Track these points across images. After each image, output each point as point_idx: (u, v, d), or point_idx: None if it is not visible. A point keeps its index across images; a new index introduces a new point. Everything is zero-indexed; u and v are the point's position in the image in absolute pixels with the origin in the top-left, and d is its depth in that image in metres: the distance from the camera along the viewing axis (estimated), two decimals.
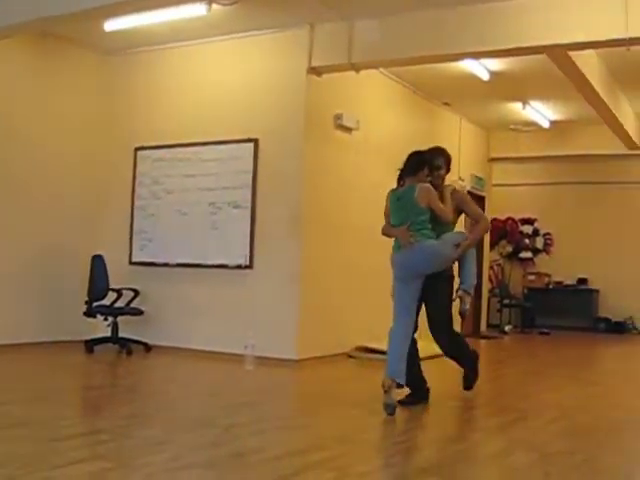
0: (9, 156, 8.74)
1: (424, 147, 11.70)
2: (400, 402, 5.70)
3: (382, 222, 9.93)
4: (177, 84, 9.45)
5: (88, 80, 9.70)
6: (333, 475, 3.84)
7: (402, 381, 5.60)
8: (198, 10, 7.69)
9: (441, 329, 6.09)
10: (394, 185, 10.02)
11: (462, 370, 6.50)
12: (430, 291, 5.92)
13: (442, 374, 8.63)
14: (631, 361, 10.95)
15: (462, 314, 6.16)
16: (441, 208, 5.95)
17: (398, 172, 6.12)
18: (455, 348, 6.27)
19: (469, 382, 6.51)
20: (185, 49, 9.32)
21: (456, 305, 6.16)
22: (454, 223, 6.24)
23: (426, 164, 6.04)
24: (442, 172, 6.26)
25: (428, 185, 5.95)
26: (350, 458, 4.27)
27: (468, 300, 6.15)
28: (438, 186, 6.11)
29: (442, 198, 6.05)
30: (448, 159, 6.41)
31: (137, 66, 9.75)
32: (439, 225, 5.95)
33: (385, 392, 5.49)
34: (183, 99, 9.37)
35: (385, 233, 6.24)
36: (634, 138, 12.35)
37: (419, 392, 6.04)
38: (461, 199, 6.32)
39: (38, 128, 9.06)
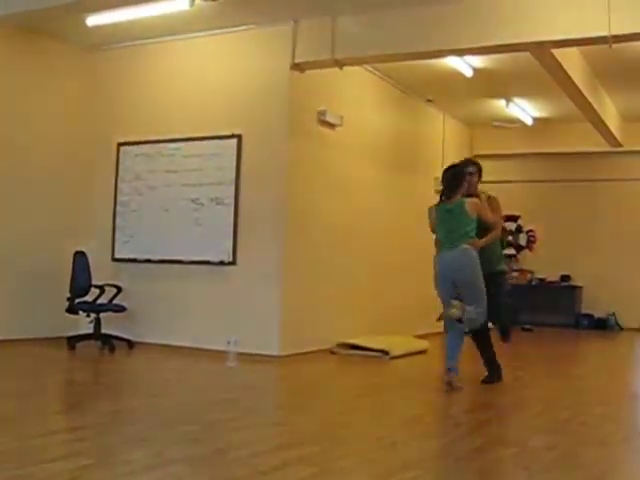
0: None
1: (408, 144, 11.85)
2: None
3: (365, 218, 10.03)
4: (160, 80, 9.43)
5: (70, 76, 9.65)
6: (314, 471, 3.83)
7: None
8: (181, 5, 7.66)
9: None
10: (376, 180, 10.09)
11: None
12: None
13: (426, 370, 8.66)
14: (613, 357, 11.00)
15: None
16: (488, 215, 6.82)
17: (440, 192, 6.94)
18: None
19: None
20: (168, 45, 9.30)
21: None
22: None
23: (464, 178, 6.82)
24: (474, 180, 7.03)
25: (476, 200, 6.82)
26: (331, 454, 4.27)
27: None
28: (472, 194, 6.90)
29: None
30: (479, 167, 7.19)
31: (120, 62, 9.71)
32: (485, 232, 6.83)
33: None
34: (166, 95, 9.35)
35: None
36: (617, 136, 12.42)
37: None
38: (494, 206, 7.10)
39: (19, 123, 9.01)
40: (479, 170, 7.19)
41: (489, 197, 7.15)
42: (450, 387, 6.57)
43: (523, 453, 4.44)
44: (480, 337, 7.19)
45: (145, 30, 8.95)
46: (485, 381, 7.10)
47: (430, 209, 7.03)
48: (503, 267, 7.40)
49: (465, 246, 6.61)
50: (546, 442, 4.76)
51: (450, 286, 6.71)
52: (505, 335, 7.61)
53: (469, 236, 6.66)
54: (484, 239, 6.81)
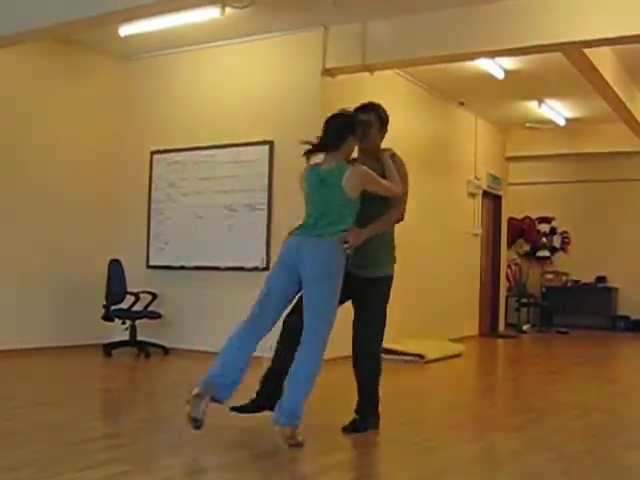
0: (26, 160, 8.78)
1: (441, 147, 11.76)
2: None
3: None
4: (192, 87, 9.47)
5: (104, 85, 9.74)
6: (352, 476, 3.84)
7: None
8: (212, 13, 7.70)
9: None
10: (409, 184, 9.88)
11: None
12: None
13: (461, 373, 8.63)
14: None
15: None
16: (385, 186, 4.80)
17: (309, 146, 4.87)
18: None
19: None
20: (199, 52, 9.35)
21: None
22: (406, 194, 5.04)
23: (353, 130, 4.80)
24: (372, 133, 5.05)
25: (363, 168, 4.73)
26: (369, 459, 4.27)
27: None
28: (370, 150, 5.04)
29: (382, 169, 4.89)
30: (381, 116, 5.16)
31: (152, 70, 9.78)
32: (377, 209, 4.84)
33: None
34: (198, 102, 9.39)
35: None
36: None
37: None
38: (400, 172, 5.01)
39: (55, 132, 9.10)
40: (380, 119, 5.14)
41: (393, 155, 5.08)
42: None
43: (562, 457, 4.40)
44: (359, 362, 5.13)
45: (177, 39, 9.01)
46: (350, 428, 4.91)
47: (301, 175, 5.02)
48: (391, 271, 5.13)
49: (332, 240, 4.59)
50: (585, 446, 4.72)
51: (286, 279, 4.82)
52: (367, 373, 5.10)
53: (344, 225, 4.63)
54: (373, 226, 4.79)
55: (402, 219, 5.07)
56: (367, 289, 4.96)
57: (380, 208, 4.85)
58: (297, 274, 4.67)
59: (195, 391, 4.51)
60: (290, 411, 4.40)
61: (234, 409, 4.88)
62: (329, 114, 4.98)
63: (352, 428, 4.87)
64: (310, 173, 4.83)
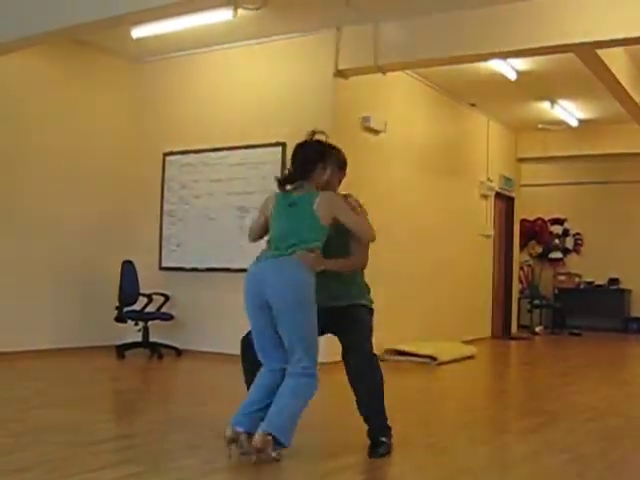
0: (39, 161, 8.82)
1: (453, 148, 11.72)
2: None
3: (410, 223, 9.98)
4: (204, 89, 9.49)
5: (116, 87, 9.77)
6: (365, 477, 3.83)
7: None
8: (224, 15, 7.71)
9: None
10: (421, 184, 9.89)
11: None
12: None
13: (474, 375, 8.61)
14: None
15: None
16: (356, 218, 4.52)
17: (284, 174, 4.56)
18: None
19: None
20: (212, 54, 9.37)
21: None
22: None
23: (322, 158, 4.51)
24: (334, 177, 4.64)
25: (334, 193, 4.55)
26: (381, 461, 4.25)
27: None
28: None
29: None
30: (338, 159, 4.73)
31: (164, 72, 9.80)
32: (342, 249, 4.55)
33: None
34: (211, 104, 9.40)
35: None
36: None
37: None
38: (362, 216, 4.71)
39: (68, 133, 9.12)
40: (338, 162, 4.70)
41: (347, 198, 4.75)
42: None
43: (575, 460, 4.38)
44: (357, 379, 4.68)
45: (190, 41, 9.02)
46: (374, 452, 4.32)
47: (268, 199, 4.66)
48: (368, 302, 4.70)
49: (295, 257, 4.22)
50: (599, 448, 4.70)
51: (262, 317, 4.31)
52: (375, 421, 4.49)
53: (309, 246, 4.26)
54: (338, 261, 4.46)
55: (364, 268, 4.75)
56: (347, 314, 4.53)
57: (341, 250, 4.53)
58: (264, 304, 4.25)
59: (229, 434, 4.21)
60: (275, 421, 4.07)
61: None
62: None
63: (386, 451, 4.32)
64: (280, 197, 4.50)
